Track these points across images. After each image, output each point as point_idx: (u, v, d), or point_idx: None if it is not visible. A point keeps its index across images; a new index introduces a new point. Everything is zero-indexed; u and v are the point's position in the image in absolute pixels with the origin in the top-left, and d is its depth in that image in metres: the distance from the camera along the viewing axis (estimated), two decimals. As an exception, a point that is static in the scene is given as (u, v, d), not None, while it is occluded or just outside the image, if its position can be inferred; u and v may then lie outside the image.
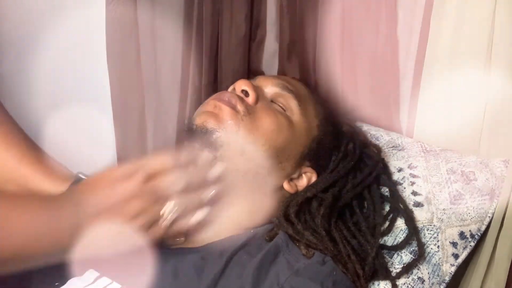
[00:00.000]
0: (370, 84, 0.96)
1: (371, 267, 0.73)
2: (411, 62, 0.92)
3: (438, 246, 0.78)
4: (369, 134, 0.93)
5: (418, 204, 0.81)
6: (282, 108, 0.77)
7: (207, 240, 0.71)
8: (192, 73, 1.09)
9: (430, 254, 0.77)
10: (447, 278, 0.77)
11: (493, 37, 0.81)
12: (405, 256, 0.77)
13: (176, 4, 1.07)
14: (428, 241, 0.78)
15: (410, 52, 0.92)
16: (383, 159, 0.87)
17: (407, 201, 0.82)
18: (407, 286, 0.74)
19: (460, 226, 0.79)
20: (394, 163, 0.88)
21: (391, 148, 0.90)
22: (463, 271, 0.85)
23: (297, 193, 0.76)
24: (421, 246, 0.77)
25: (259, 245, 0.69)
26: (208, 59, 1.07)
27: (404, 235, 0.78)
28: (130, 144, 1.14)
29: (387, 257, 0.77)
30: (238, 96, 0.75)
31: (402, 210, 0.80)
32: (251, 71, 1.07)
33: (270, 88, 0.80)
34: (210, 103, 0.75)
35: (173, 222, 0.64)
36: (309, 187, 0.77)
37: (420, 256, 0.76)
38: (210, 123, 0.72)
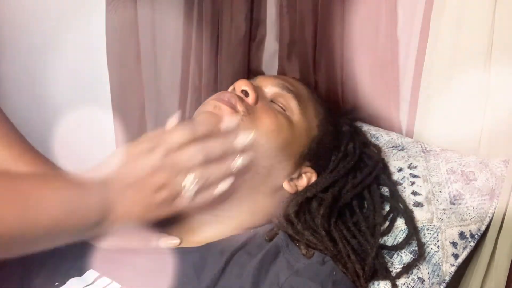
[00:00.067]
0: (370, 84, 0.96)
1: (371, 267, 0.73)
2: (411, 62, 0.92)
3: (438, 246, 0.78)
4: (369, 134, 0.93)
5: (418, 204, 0.82)
6: (282, 108, 0.77)
7: (207, 240, 0.71)
8: (192, 73, 1.09)
9: (430, 254, 0.77)
10: (447, 278, 0.77)
11: (493, 37, 0.81)
12: (405, 256, 0.77)
13: (176, 4, 1.07)
14: (428, 241, 0.78)
15: (410, 52, 0.92)
16: (383, 159, 0.87)
17: (407, 201, 0.82)
18: (407, 286, 0.74)
19: (460, 226, 0.79)
20: (394, 163, 0.88)
21: (391, 148, 0.91)
22: (463, 271, 0.85)
23: (297, 193, 0.76)
24: (421, 246, 0.77)
25: (259, 245, 0.69)
26: (208, 59, 1.07)
27: (404, 235, 0.78)
28: (130, 144, 1.14)
29: (387, 257, 0.77)
30: (238, 96, 0.75)
31: (402, 210, 0.80)
32: (251, 71, 1.07)
33: (270, 88, 0.80)
34: (210, 103, 0.75)
35: (197, 193, 0.65)
36: (309, 187, 0.77)
37: (420, 256, 0.76)
38: (210, 123, 0.72)
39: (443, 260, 0.77)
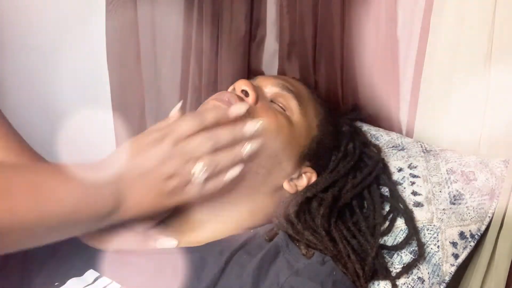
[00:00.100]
0: (370, 85, 0.96)
1: (371, 267, 0.73)
2: (411, 62, 0.92)
3: (438, 246, 0.78)
4: (369, 134, 0.93)
5: (418, 204, 0.82)
6: (282, 108, 0.77)
7: (207, 240, 0.71)
8: (192, 73, 1.09)
9: (430, 254, 0.77)
10: (447, 278, 0.77)
11: (493, 37, 0.81)
12: (405, 256, 0.77)
13: (176, 4, 1.07)
14: (428, 241, 0.78)
15: (410, 52, 0.92)
16: (383, 159, 0.87)
17: (407, 201, 0.82)
18: (407, 286, 0.74)
19: (460, 226, 0.79)
20: (394, 163, 0.88)
21: (391, 148, 0.91)
22: (463, 271, 0.85)
23: (297, 193, 0.76)
24: (421, 246, 0.77)
25: (259, 245, 0.69)
26: (208, 59, 1.07)
27: (404, 235, 0.78)
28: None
29: (387, 257, 0.77)
30: (238, 96, 0.75)
31: (402, 210, 0.80)
32: (251, 71, 1.07)
33: (270, 88, 0.80)
34: (210, 103, 0.75)
35: (207, 180, 0.66)
36: (309, 187, 0.77)
37: (420, 256, 0.76)
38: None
39: (443, 260, 0.77)
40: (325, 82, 1.00)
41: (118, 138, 1.22)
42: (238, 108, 0.69)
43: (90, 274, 0.69)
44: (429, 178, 0.84)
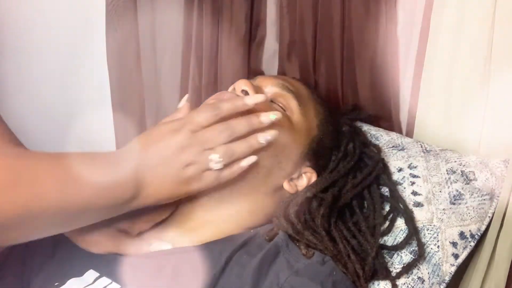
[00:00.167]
0: (370, 84, 0.96)
1: (371, 267, 0.73)
2: (411, 62, 0.92)
3: (438, 246, 0.78)
4: (369, 134, 0.93)
5: (418, 204, 0.82)
6: (282, 108, 0.77)
7: (207, 240, 0.71)
8: (192, 73, 1.09)
9: (430, 254, 0.77)
10: (447, 278, 0.77)
11: (493, 37, 0.81)
12: (405, 256, 0.77)
13: (176, 4, 1.07)
14: (428, 241, 0.78)
15: (410, 52, 0.92)
16: (383, 159, 0.87)
17: (407, 201, 0.82)
18: (407, 286, 0.74)
19: (460, 226, 0.79)
20: (394, 163, 0.88)
21: (391, 148, 0.90)
22: (463, 271, 0.85)
23: (297, 193, 0.76)
24: (421, 246, 0.77)
25: (259, 245, 0.69)
26: (208, 59, 1.07)
27: (404, 235, 0.78)
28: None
29: (387, 257, 0.77)
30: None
31: (402, 210, 0.80)
32: (251, 71, 1.07)
33: (270, 88, 0.80)
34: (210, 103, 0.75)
35: (223, 169, 0.68)
36: (309, 187, 0.77)
37: (420, 256, 0.76)
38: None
39: (443, 260, 0.77)
40: (325, 82, 1.00)
41: (118, 138, 1.22)
42: (256, 98, 0.70)
43: (90, 274, 0.70)
44: (429, 178, 0.84)
